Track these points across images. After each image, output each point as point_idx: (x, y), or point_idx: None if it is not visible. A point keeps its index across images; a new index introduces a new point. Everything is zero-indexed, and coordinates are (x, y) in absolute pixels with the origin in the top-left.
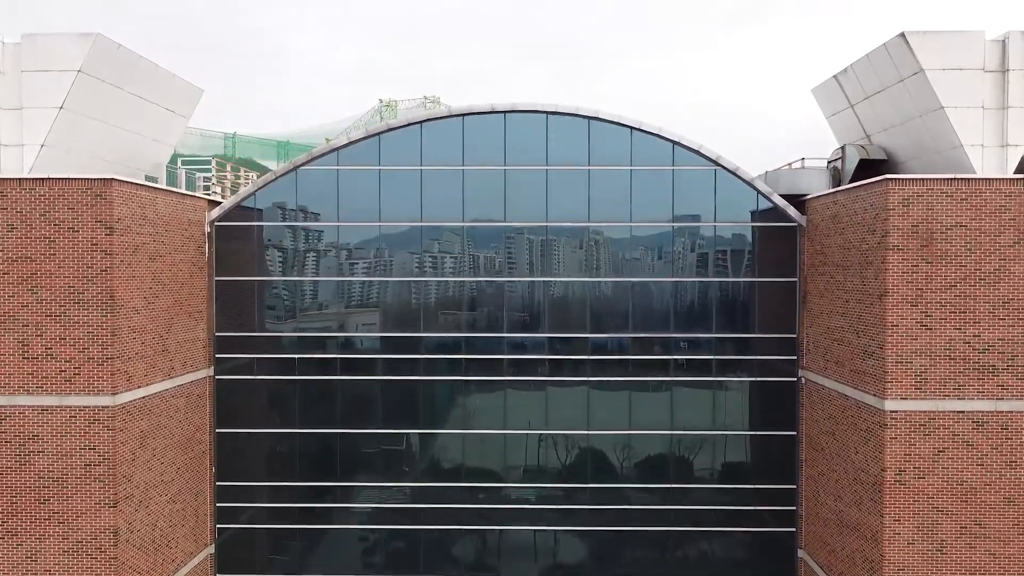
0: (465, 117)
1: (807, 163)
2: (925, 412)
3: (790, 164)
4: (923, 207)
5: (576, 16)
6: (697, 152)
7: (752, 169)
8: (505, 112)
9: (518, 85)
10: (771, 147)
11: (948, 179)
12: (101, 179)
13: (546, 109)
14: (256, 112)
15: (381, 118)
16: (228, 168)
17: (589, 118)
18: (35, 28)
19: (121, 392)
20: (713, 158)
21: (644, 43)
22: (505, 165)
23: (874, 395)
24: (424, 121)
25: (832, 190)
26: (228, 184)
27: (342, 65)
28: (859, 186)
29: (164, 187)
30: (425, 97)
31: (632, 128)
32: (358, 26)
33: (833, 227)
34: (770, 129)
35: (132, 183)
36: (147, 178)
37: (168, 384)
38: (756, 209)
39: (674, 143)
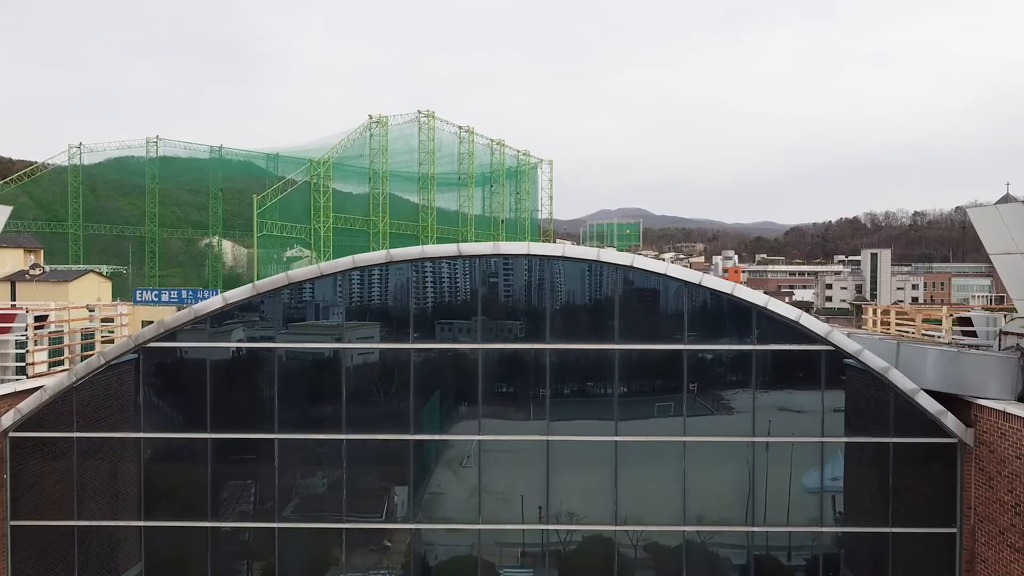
0: (422, 263)
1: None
2: None
3: (927, 336)
4: None
5: (577, 17)
6: (795, 323)
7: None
8: (478, 257)
9: (518, 84)
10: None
11: None
12: None
13: (549, 253)
14: (253, 118)
15: (371, 135)
16: (68, 323)
17: (620, 266)
18: (36, 27)
19: None
20: (823, 334)
21: (644, 45)
22: (479, 343)
23: None
24: (348, 270)
25: None
26: (70, 354)
27: (343, 67)
28: None
29: None
30: (419, 112)
31: (688, 283)
32: (359, 27)
33: None
34: (779, 126)
35: None
36: None
37: None
38: (889, 413)
39: (756, 308)
